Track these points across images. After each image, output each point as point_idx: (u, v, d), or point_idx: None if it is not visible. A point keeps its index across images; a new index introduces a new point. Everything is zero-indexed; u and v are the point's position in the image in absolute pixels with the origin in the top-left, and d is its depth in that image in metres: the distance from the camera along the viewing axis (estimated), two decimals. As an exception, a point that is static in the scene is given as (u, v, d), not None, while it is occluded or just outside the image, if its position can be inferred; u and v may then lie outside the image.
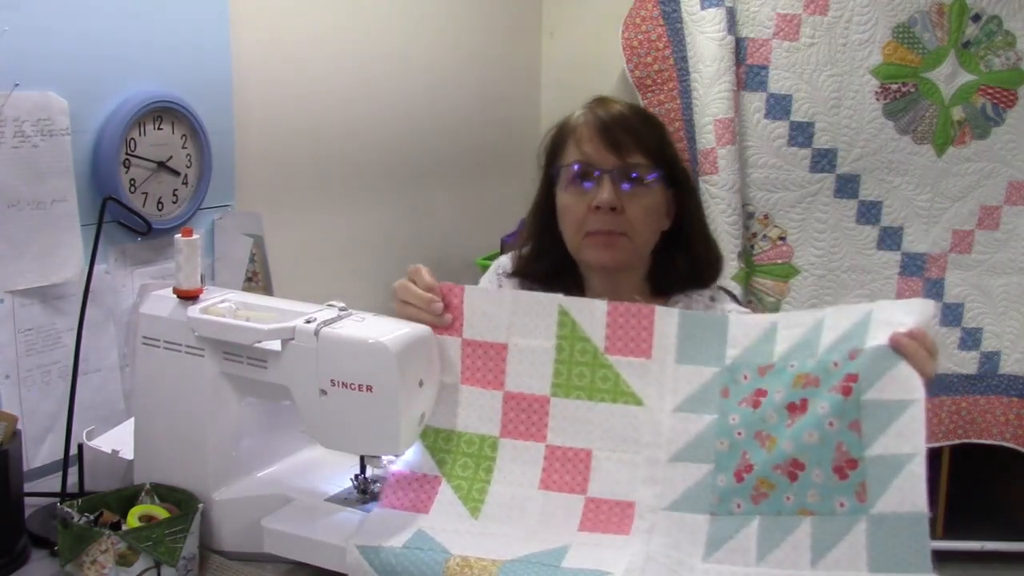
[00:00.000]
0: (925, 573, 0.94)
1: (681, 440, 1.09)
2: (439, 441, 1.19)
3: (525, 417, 1.16)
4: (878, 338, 1.01)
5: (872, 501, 0.98)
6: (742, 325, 1.12)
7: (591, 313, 1.15)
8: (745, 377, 1.08)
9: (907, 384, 0.99)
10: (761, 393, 1.06)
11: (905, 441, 0.97)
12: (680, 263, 1.46)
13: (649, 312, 1.13)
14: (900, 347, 1.00)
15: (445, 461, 1.17)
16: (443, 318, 1.20)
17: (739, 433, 1.06)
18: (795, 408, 1.03)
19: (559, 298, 1.17)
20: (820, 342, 1.06)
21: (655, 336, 1.13)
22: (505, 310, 1.18)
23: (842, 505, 0.99)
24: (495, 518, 1.12)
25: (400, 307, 1.22)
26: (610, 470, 1.12)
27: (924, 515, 0.96)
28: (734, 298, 1.57)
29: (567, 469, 1.13)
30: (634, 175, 1.37)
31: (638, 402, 1.12)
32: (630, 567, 0.99)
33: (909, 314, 1.02)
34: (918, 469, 0.96)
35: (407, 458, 1.19)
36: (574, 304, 1.16)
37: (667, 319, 1.13)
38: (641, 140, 1.38)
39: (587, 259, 1.42)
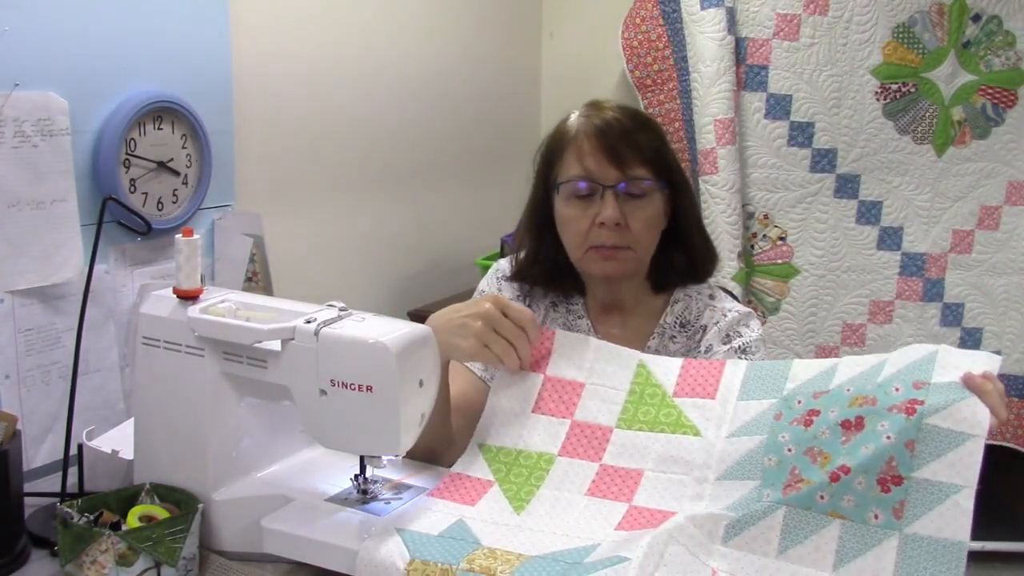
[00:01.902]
0: None
1: (730, 460, 1.11)
2: (500, 456, 1.23)
3: (586, 442, 1.21)
4: (945, 376, 1.01)
5: (908, 520, 0.97)
6: (804, 366, 1.15)
7: (666, 366, 1.23)
8: (799, 402, 1.09)
9: (972, 419, 0.98)
10: (814, 413, 1.07)
11: (957, 473, 0.97)
12: (677, 260, 1.46)
13: (720, 365, 1.20)
14: (974, 385, 0.99)
15: (500, 471, 1.21)
16: (525, 361, 1.25)
17: (789, 450, 1.05)
18: (850, 425, 1.03)
19: (638, 355, 1.25)
20: (881, 374, 1.06)
21: (722, 382, 1.18)
22: (589, 356, 1.26)
23: (876, 517, 0.98)
24: (537, 515, 1.14)
25: (484, 333, 1.23)
26: (657, 487, 1.14)
27: (964, 545, 0.95)
28: (733, 298, 1.57)
29: (615, 483, 1.16)
30: (637, 189, 1.37)
31: (696, 433, 1.15)
32: (650, 551, 0.98)
33: (975, 363, 1.02)
34: (965, 502, 0.96)
35: (464, 465, 1.23)
36: (652, 359, 1.24)
37: (735, 368, 1.19)
38: (641, 151, 1.37)
39: (591, 271, 1.43)
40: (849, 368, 1.11)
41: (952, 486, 0.96)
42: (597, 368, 1.25)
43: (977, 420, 0.98)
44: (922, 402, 1.00)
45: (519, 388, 1.26)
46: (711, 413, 1.16)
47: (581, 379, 1.25)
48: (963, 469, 0.97)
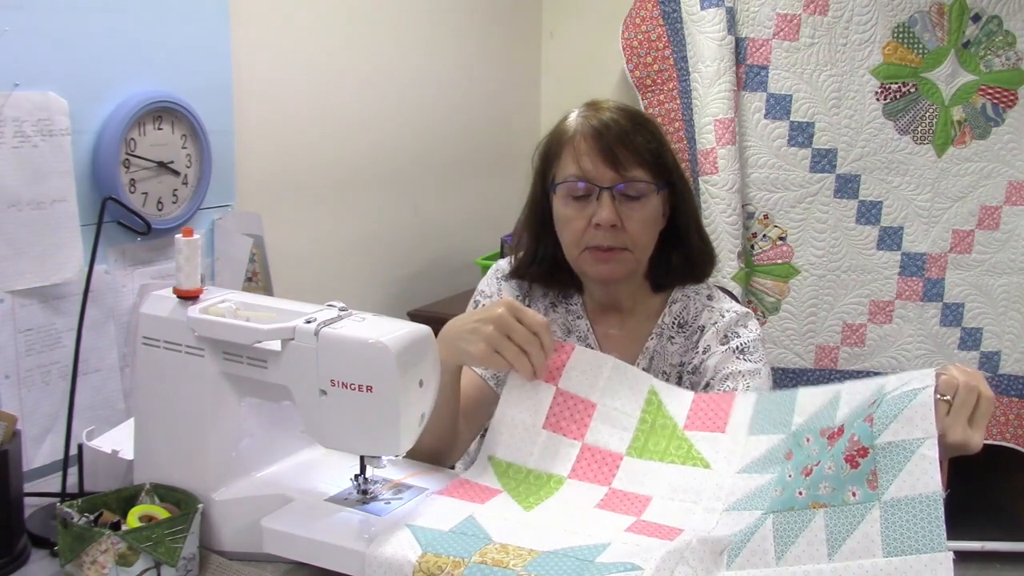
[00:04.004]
0: (940, 552, 0.93)
1: (739, 493, 1.12)
2: (509, 471, 1.23)
3: (596, 467, 1.21)
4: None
5: (884, 487, 0.98)
6: (809, 396, 1.16)
7: (678, 398, 1.24)
8: (807, 440, 1.10)
9: (920, 377, 1.00)
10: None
11: (915, 427, 0.98)
12: (675, 259, 1.46)
13: (730, 398, 1.22)
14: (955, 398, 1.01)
15: (510, 484, 1.21)
16: (539, 369, 1.23)
17: (789, 476, 1.07)
18: (833, 435, 1.06)
19: (651, 379, 1.26)
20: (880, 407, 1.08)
21: (732, 415, 1.20)
22: (603, 374, 1.26)
23: (854, 495, 0.99)
24: (546, 514, 1.15)
25: (495, 339, 1.21)
26: (665, 509, 1.15)
27: (938, 496, 0.96)
28: (733, 297, 1.57)
29: (624, 503, 1.17)
30: (633, 191, 1.37)
31: (706, 465, 1.17)
32: (663, 564, 0.99)
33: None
34: (929, 452, 0.97)
35: (473, 475, 1.23)
36: (664, 388, 1.25)
37: (745, 401, 1.21)
38: (639, 152, 1.37)
39: (587, 272, 1.43)
40: (851, 396, 1.11)
41: (914, 440, 0.98)
42: (609, 389, 1.25)
43: (924, 374, 1.01)
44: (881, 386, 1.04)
45: (530, 399, 1.25)
46: (721, 446, 1.17)
47: (593, 399, 1.24)
48: (920, 421, 0.98)
